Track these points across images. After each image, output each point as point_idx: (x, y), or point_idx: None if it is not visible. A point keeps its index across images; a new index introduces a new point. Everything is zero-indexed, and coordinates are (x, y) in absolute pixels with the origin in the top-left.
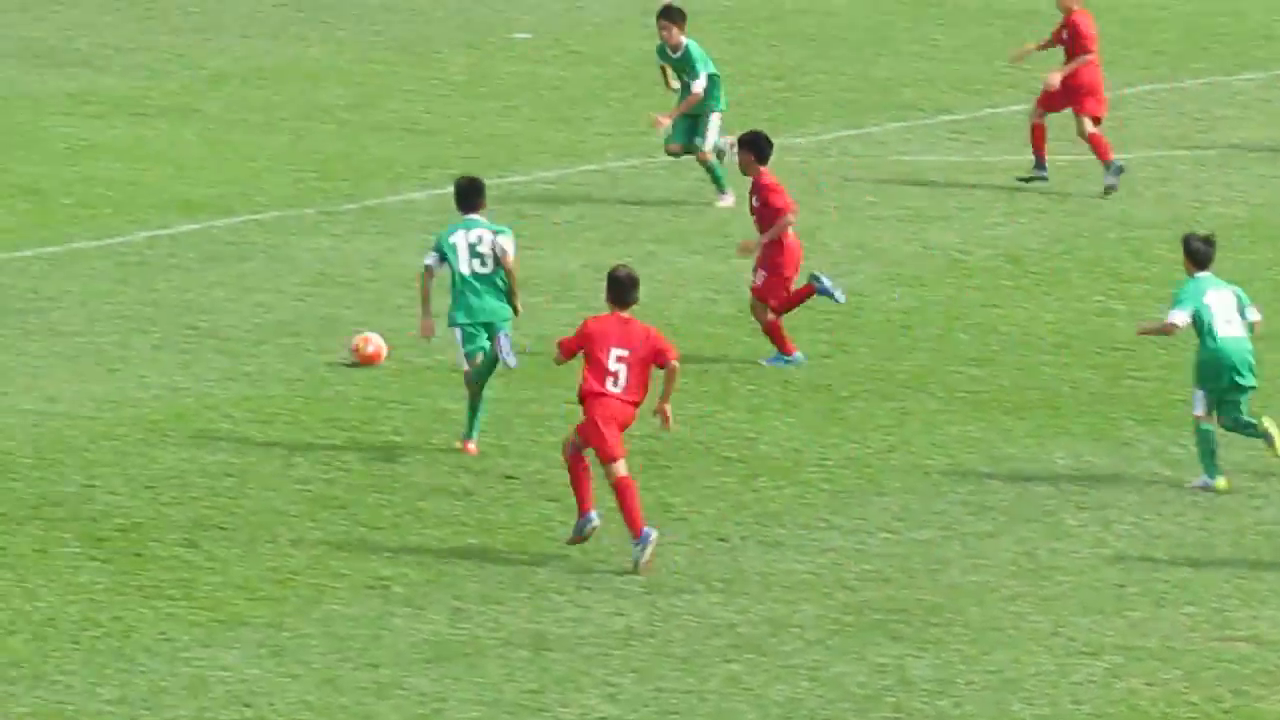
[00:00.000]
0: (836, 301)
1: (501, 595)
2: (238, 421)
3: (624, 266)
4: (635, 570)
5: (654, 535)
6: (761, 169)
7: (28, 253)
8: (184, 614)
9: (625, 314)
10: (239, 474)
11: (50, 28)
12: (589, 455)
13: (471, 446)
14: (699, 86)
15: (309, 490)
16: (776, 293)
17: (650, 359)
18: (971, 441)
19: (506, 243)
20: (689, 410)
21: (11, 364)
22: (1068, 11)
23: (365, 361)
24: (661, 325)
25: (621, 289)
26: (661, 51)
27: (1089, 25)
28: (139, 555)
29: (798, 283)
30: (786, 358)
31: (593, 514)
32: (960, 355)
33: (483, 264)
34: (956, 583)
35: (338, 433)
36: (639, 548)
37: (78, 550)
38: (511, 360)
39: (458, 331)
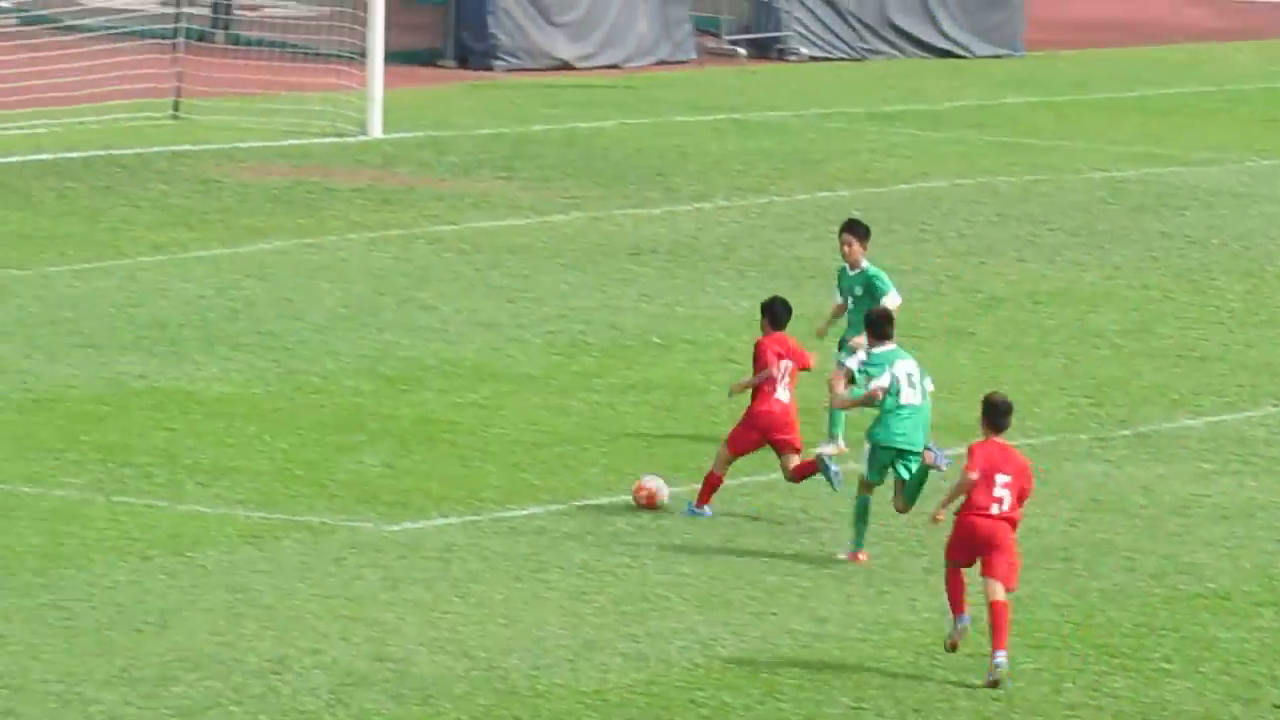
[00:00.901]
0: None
1: None
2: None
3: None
4: None
5: None
6: None
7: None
8: None
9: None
10: (1004, 699)
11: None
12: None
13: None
14: None
15: (1076, 716)
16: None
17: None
18: None
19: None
20: None
21: (781, 584)
22: None
23: (646, 504)
24: None
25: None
26: None
27: None
28: None
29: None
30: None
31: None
32: None
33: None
34: None
35: (1107, 658)
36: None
37: None
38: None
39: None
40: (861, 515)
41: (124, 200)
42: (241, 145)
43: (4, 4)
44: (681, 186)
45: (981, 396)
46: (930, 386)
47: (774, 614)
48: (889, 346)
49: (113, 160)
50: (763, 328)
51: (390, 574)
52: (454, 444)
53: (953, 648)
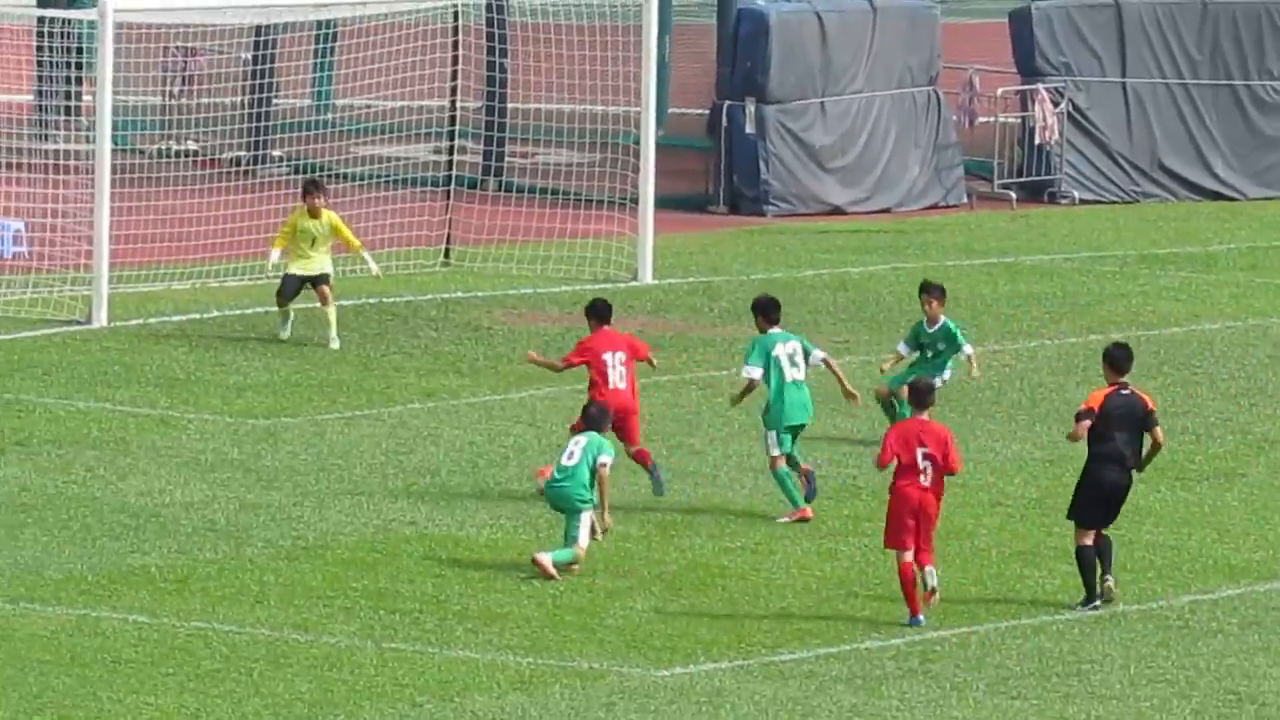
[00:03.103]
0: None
1: None
2: None
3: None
4: None
5: None
6: None
7: (1068, 615)
8: None
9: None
10: None
11: None
12: None
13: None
14: None
15: None
16: None
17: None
18: None
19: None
20: None
21: None
22: None
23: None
24: None
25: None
26: None
27: None
28: None
29: None
30: None
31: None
32: None
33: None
34: None
35: None
36: None
37: None
38: None
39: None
40: (785, 481)
41: (395, 347)
42: (512, 291)
43: (275, 153)
44: None
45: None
46: (819, 360)
47: None
48: (774, 330)
49: (384, 308)
50: (591, 328)
51: (659, 719)
52: (723, 588)
53: None
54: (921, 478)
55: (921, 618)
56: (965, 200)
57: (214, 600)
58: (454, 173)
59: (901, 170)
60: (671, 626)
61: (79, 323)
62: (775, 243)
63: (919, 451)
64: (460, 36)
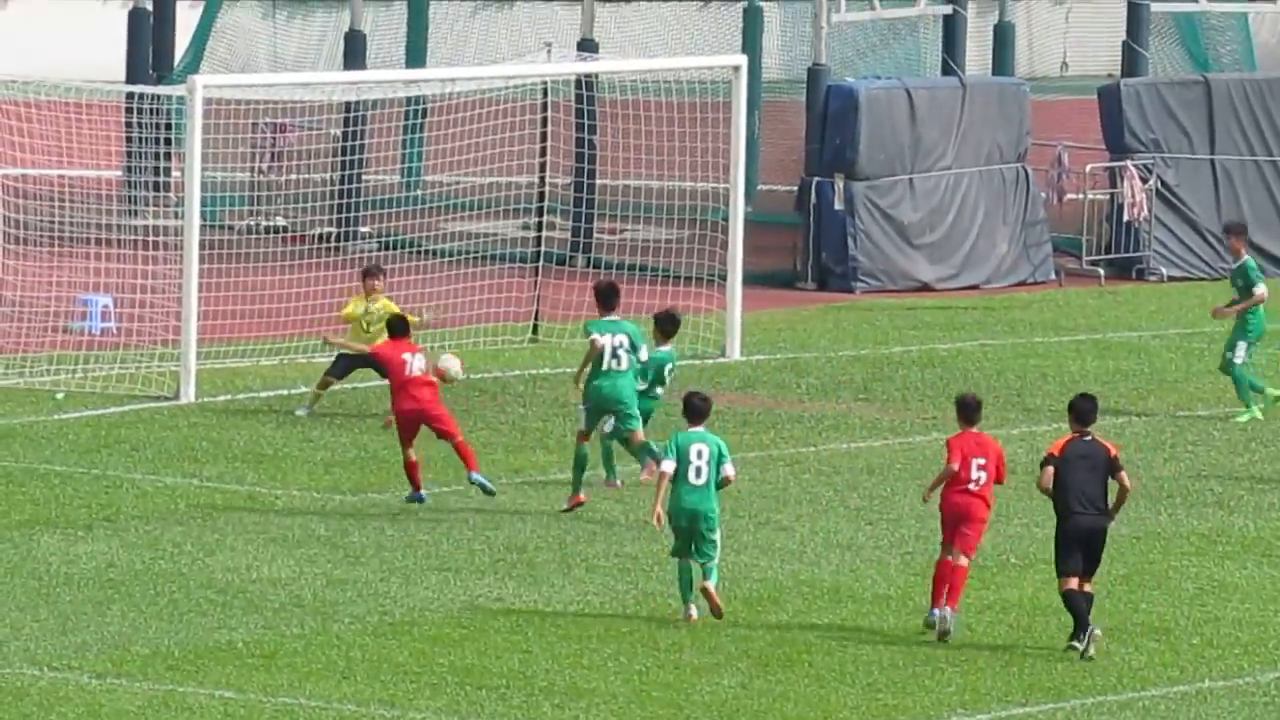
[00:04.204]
0: None
1: None
2: None
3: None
4: None
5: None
6: None
7: (1154, 692)
8: None
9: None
10: None
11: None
12: None
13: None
14: None
15: None
16: None
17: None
18: None
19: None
20: None
21: None
22: None
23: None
24: None
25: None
26: None
27: None
28: None
29: None
30: None
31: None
32: None
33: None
34: None
35: None
36: None
37: None
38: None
39: None
40: (580, 465)
41: (483, 423)
42: None
43: (364, 229)
44: (1040, 406)
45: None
46: (644, 357)
47: None
48: (612, 317)
49: (472, 384)
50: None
51: None
52: (810, 664)
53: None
54: (972, 485)
55: (938, 612)
56: (1053, 277)
57: (301, 676)
58: (542, 249)
59: (990, 247)
60: (758, 703)
61: (167, 398)
62: (863, 319)
63: (974, 462)
64: (549, 113)
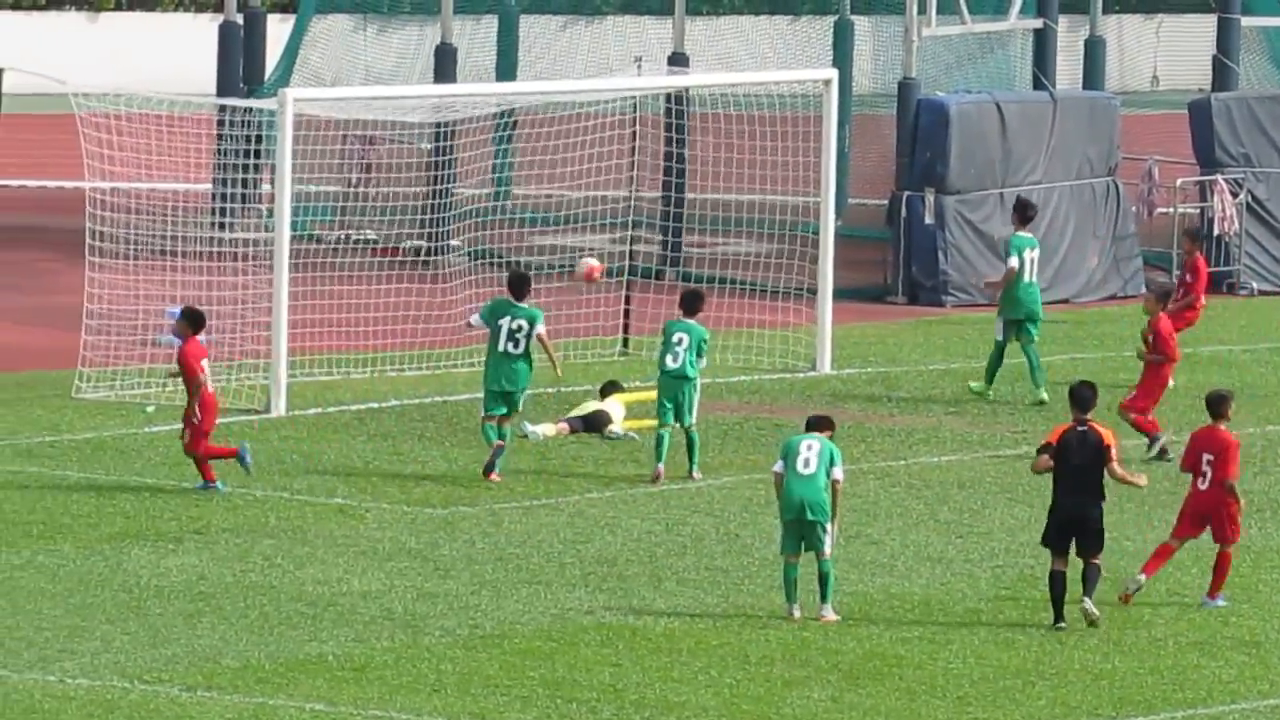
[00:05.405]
0: None
1: None
2: None
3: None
4: None
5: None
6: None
7: (1244, 705)
8: None
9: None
10: None
11: None
12: None
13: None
14: None
15: None
16: None
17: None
18: None
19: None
20: None
21: None
22: None
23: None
24: None
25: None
26: None
27: None
28: None
29: None
30: None
31: None
32: None
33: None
34: None
35: None
36: None
37: None
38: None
39: None
40: (487, 436)
41: (573, 436)
42: None
43: (454, 242)
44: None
45: None
46: (541, 331)
47: None
48: (525, 305)
49: (562, 396)
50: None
51: None
52: (900, 678)
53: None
54: (1200, 481)
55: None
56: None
57: (391, 689)
58: (632, 262)
59: (1080, 261)
60: (848, 716)
61: (257, 411)
62: (954, 333)
63: (1204, 457)
64: (639, 127)
